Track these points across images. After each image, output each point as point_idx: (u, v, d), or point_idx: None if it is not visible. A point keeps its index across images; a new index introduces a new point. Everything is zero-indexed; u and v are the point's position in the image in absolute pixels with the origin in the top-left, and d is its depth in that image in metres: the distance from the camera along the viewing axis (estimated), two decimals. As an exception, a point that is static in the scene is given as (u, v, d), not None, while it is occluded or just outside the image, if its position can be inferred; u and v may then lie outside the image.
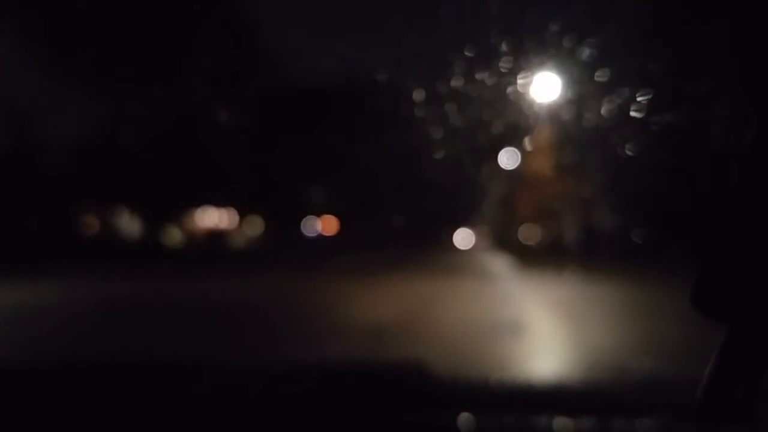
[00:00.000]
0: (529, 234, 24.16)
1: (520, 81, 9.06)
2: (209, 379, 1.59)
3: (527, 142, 15.20)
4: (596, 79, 9.03)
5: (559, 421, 1.28)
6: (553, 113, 11.45)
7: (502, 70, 8.63)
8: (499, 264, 17.16)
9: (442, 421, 1.32)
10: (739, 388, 0.75)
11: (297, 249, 22.18)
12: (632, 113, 8.81)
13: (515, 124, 11.99)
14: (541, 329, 5.90)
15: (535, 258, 16.57)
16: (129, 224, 19.30)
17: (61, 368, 1.65)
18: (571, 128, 12.31)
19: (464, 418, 1.29)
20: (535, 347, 5.01)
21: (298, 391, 1.49)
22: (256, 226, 25.94)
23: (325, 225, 29.95)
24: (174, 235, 21.10)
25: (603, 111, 9.77)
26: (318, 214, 29.68)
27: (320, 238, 29.02)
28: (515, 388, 1.53)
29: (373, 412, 1.37)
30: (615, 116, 9.74)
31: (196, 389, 1.52)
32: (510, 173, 20.64)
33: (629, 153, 11.37)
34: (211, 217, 24.66)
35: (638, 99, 8.66)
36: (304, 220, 28.81)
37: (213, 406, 1.39)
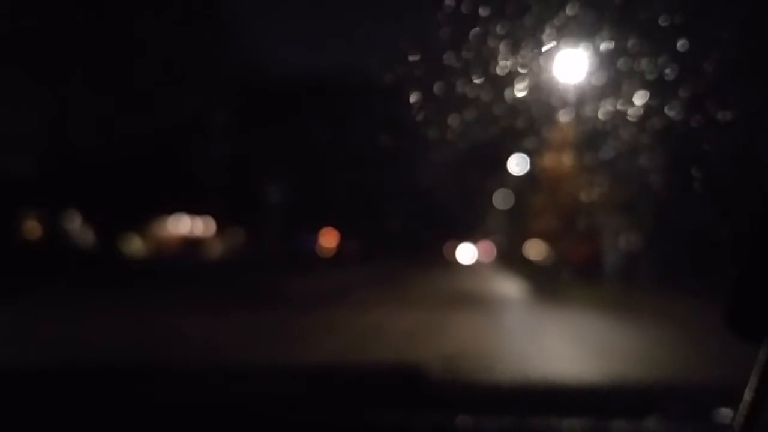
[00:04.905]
0: (542, 251, 21.58)
1: (532, 72, 7.52)
2: (202, 382, 1.58)
3: (541, 143, 13.32)
4: (627, 61, 7.52)
5: (557, 423, 1.31)
6: (572, 106, 9.63)
7: (513, 61, 7.22)
8: (511, 289, 14.28)
9: (442, 422, 1.35)
10: None
11: (282, 261, 20.21)
12: (673, 106, 7.68)
13: (528, 122, 10.39)
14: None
15: (554, 282, 13.94)
16: (80, 231, 16.92)
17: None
18: (595, 123, 10.36)
19: (463, 419, 1.32)
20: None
21: (297, 393, 1.48)
22: (236, 237, 23.78)
23: (323, 238, 28.52)
24: (134, 245, 18.77)
25: (635, 102, 8.17)
26: (314, 226, 28.19)
27: (313, 251, 27.46)
28: (513, 389, 1.53)
29: (373, 414, 1.39)
30: (651, 107, 8.24)
31: (187, 391, 1.50)
32: (520, 180, 18.76)
33: (673, 151, 9.39)
34: (184, 226, 22.53)
35: (689, 84, 7.20)
36: (297, 231, 27.13)
37: (207, 407, 1.39)
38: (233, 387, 1.55)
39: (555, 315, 9.03)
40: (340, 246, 29.44)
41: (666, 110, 7.90)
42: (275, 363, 3.44)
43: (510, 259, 26.35)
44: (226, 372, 1.76)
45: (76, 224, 16.79)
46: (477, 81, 7.93)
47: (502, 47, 6.71)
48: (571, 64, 7.68)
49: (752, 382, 0.72)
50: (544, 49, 6.92)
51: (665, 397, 1.44)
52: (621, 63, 7.42)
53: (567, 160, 14.24)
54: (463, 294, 12.27)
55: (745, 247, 0.73)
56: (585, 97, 8.82)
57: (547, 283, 14.10)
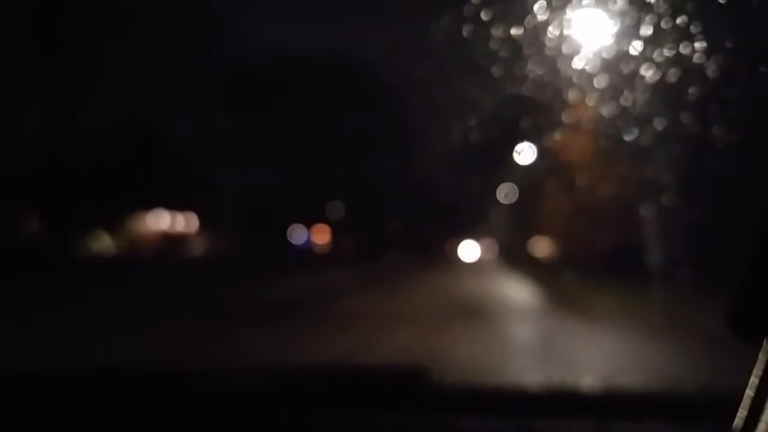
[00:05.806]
0: (549, 248, 20.19)
1: (538, 61, 7.25)
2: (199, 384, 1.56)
3: (548, 134, 12.43)
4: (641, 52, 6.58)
5: (560, 426, 1.33)
6: (580, 94, 8.67)
7: (516, 51, 7.07)
8: (524, 294, 12.52)
9: (444, 425, 1.36)
10: None
11: (267, 259, 18.66)
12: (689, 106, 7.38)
13: (536, 106, 9.91)
14: None
15: (567, 284, 12.36)
16: (38, 228, 15.45)
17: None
18: (617, 101, 9.35)
19: (465, 422, 1.34)
20: None
21: (297, 396, 1.47)
22: (221, 234, 22.39)
23: (315, 234, 27.63)
24: (102, 242, 17.29)
25: (646, 97, 7.75)
26: (308, 222, 27.40)
27: (306, 248, 26.42)
28: (516, 392, 1.53)
29: (374, 416, 1.39)
30: (665, 102, 7.76)
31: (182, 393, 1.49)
32: (526, 172, 17.39)
33: (716, 133, 8.11)
34: (163, 222, 21.09)
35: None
36: (288, 227, 26.05)
37: (206, 410, 1.39)
38: (230, 386, 1.49)
39: (590, 335, 7.05)
40: (335, 243, 28.31)
41: (682, 108, 7.62)
42: (276, 363, 3.40)
43: (515, 256, 25.05)
44: (222, 371, 1.74)
45: (33, 221, 15.35)
46: (479, 74, 8.06)
47: (503, 40, 6.66)
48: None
49: (753, 384, 0.70)
50: (548, 42, 6.53)
51: (667, 400, 1.38)
52: (636, 50, 6.45)
53: (576, 151, 13.04)
54: (471, 300, 10.54)
55: (749, 246, 0.69)
56: (594, 87, 7.79)
57: (561, 285, 12.60)
